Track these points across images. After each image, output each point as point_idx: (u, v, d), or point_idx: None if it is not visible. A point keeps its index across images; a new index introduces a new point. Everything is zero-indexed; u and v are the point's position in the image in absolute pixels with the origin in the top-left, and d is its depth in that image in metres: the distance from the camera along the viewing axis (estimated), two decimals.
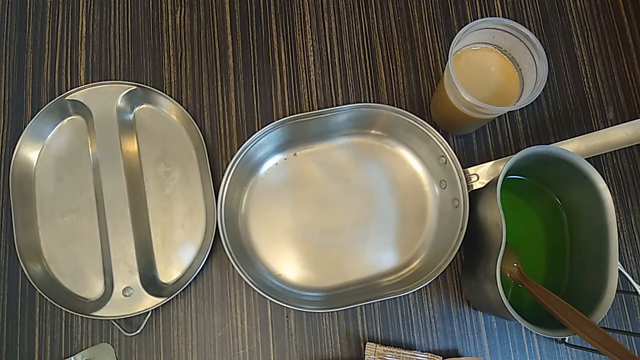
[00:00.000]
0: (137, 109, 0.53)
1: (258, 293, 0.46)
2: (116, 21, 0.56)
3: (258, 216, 0.51)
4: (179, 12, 0.57)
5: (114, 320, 0.47)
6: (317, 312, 0.49)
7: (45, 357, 0.48)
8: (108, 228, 0.48)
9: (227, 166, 0.48)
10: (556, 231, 0.48)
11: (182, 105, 0.53)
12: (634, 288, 0.43)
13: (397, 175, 0.52)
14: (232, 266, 0.46)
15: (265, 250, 0.50)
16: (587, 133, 0.49)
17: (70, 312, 0.46)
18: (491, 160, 0.48)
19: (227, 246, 0.46)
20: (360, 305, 0.48)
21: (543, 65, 0.42)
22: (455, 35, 0.42)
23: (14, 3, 0.57)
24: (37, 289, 0.47)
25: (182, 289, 0.47)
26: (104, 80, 0.53)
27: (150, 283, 0.48)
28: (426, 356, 0.47)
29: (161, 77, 0.55)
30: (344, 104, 0.50)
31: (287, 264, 0.50)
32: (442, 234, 0.49)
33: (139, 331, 0.47)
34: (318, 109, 0.54)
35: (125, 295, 0.47)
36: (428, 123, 0.48)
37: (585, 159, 0.43)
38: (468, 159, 0.53)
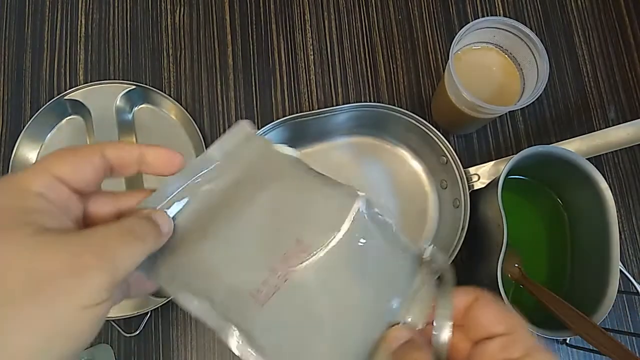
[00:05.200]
0: (136, 108, 0.53)
1: None
2: (115, 20, 0.56)
3: None
4: (178, 11, 0.56)
5: (113, 321, 0.47)
6: None
7: None
8: None
9: None
10: (557, 231, 0.48)
11: (181, 104, 0.53)
12: (635, 288, 0.43)
13: (397, 175, 0.52)
14: None
15: None
16: (589, 133, 0.49)
17: None
18: (492, 160, 0.48)
19: None
20: None
21: (544, 64, 0.42)
22: (456, 34, 0.42)
23: (13, 2, 0.56)
24: None
25: None
26: (103, 80, 0.53)
27: None
28: None
29: (160, 77, 0.54)
30: (344, 104, 0.49)
31: None
32: (442, 234, 0.49)
33: (138, 332, 0.47)
34: (318, 108, 0.54)
35: None
36: (429, 123, 0.48)
37: (587, 158, 0.43)
38: (469, 159, 0.53)
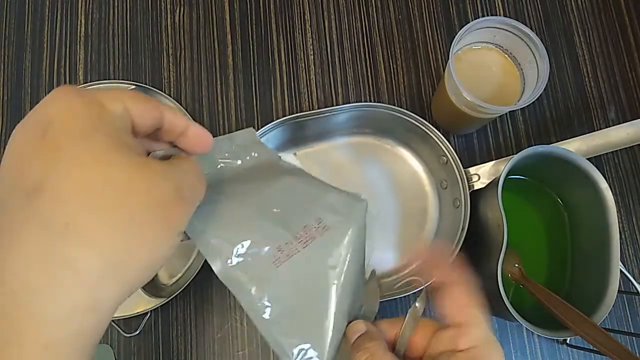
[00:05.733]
0: None
1: None
2: (115, 20, 0.56)
3: None
4: (178, 11, 0.56)
5: (112, 321, 0.47)
6: None
7: None
8: None
9: None
10: (557, 231, 0.48)
11: (181, 104, 0.53)
12: (636, 289, 0.43)
13: (397, 175, 0.52)
14: None
15: None
16: (589, 133, 0.49)
17: None
18: (492, 160, 0.48)
19: None
20: None
21: (544, 64, 0.42)
22: (456, 34, 0.42)
23: (13, 2, 0.56)
24: None
25: (181, 290, 0.47)
26: (103, 80, 0.53)
27: (149, 283, 0.48)
28: None
29: (160, 77, 0.54)
30: (344, 104, 0.49)
31: None
32: (443, 234, 0.49)
33: (138, 332, 0.47)
34: (318, 108, 0.54)
35: None
36: (429, 122, 0.48)
37: (587, 158, 0.42)
38: (469, 159, 0.53)
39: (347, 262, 0.26)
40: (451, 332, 0.25)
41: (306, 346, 0.24)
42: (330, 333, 0.25)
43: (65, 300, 0.18)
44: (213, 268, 0.24)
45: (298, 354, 0.24)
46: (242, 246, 0.24)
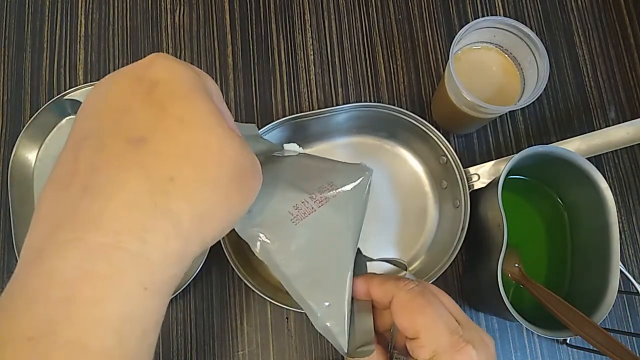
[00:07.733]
0: None
1: (257, 294, 0.46)
2: (115, 20, 0.56)
3: None
4: (178, 11, 0.56)
5: None
6: None
7: None
8: None
9: None
10: (557, 231, 0.48)
11: None
12: (636, 289, 0.43)
13: (397, 175, 0.52)
14: (232, 267, 0.46)
15: None
16: (589, 132, 0.49)
17: None
18: (492, 160, 0.48)
19: (226, 247, 0.46)
20: None
21: (544, 64, 0.42)
22: (456, 34, 0.42)
23: (12, 2, 0.56)
24: None
25: (181, 290, 0.47)
26: None
27: None
28: None
29: None
30: (344, 104, 0.49)
31: None
32: (442, 234, 0.49)
33: None
34: (318, 108, 0.54)
35: None
36: (429, 122, 0.48)
37: (587, 158, 0.42)
38: (469, 159, 0.53)
39: (358, 222, 0.29)
40: (412, 344, 0.25)
41: (329, 300, 0.26)
42: (348, 289, 0.27)
43: (163, 248, 0.19)
44: (235, 228, 0.25)
45: (320, 308, 0.26)
46: (261, 206, 0.26)
